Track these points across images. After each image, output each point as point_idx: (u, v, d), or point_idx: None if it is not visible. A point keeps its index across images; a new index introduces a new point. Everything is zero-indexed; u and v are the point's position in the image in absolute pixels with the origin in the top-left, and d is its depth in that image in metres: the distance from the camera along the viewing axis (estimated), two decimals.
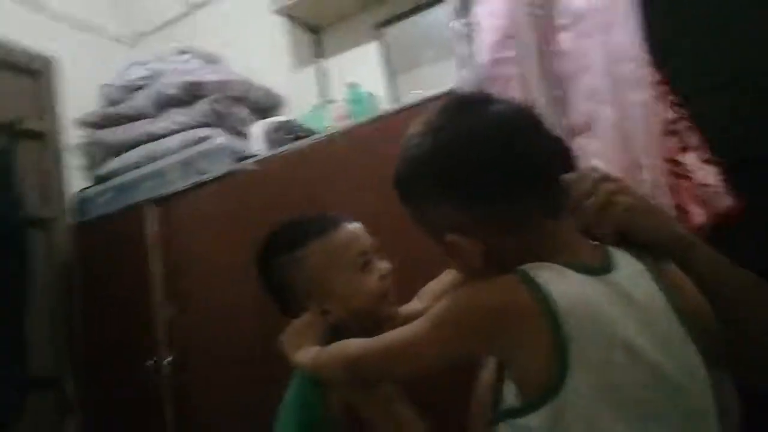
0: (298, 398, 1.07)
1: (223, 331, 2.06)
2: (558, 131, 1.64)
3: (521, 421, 0.68)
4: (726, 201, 1.45)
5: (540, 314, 0.65)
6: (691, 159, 1.49)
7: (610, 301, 0.68)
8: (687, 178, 1.49)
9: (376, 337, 0.85)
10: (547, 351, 0.65)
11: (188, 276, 2.17)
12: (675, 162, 1.50)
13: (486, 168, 0.71)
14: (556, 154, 0.78)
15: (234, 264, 2.03)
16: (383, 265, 1.09)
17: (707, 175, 1.47)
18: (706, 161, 1.48)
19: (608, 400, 0.64)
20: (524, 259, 0.71)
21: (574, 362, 0.64)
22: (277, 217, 1.20)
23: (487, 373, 1.03)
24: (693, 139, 1.50)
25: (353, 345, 0.88)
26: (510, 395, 0.69)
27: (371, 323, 0.96)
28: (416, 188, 0.77)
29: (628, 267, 0.73)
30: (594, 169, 0.82)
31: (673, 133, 1.51)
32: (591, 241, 0.77)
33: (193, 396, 2.10)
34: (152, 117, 2.50)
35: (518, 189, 0.72)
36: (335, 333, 1.03)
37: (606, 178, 0.79)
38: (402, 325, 0.82)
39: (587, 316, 0.66)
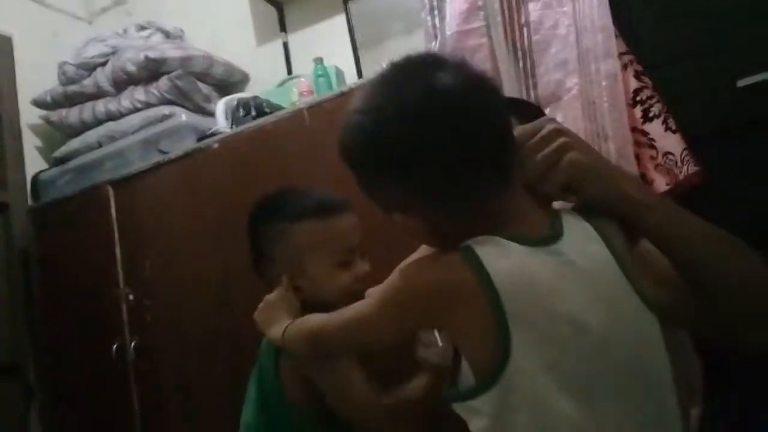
0: (260, 376, 1.07)
1: (188, 312, 2.02)
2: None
3: (472, 404, 0.65)
4: (689, 169, 1.45)
5: (481, 293, 0.63)
6: (655, 127, 1.49)
7: (554, 273, 0.65)
8: (651, 146, 1.49)
9: (336, 311, 0.86)
10: (490, 331, 0.62)
11: (151, 258, 2.12)
12: (639, 131, 1.51)
13: (427, 149, 0.67)
14: (508, 122, 0.73)
15: (198, 245, 2.00)
16: (363, 267, 1.09)
17: (671, 143, 1.48)
18: (671, 130, 1.48)
19: (554, 377, 0.61)
20: (470, 234, 0.68)
21: (517, 341, 0.62)
22: (243, 197, 1.19)
23: None
24: (657, 107, 1.50)
25: (314, 319, 0.89)
26: (467, 372, 0.67)
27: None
28: (359, 168, 0.74)
29: (576, 232, 0.70)
30: (550, 120, 0.77)
31: (638, 102, 1.52)
32: (538, 206, 0.73)
33: (159, 379, 2.07)
34: (112, 95, 2.42)
35: (462, 169, 0.67)
36: (306, 309, 1.03)
37: (561, 131, 0.75)
38: None
39: (529, 293, 0.63)
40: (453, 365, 0.72)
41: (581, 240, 0.70)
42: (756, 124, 1.49)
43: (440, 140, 0.66)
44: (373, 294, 0.77)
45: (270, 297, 1.06)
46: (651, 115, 1.50)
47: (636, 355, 0.65)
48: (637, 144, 1.50)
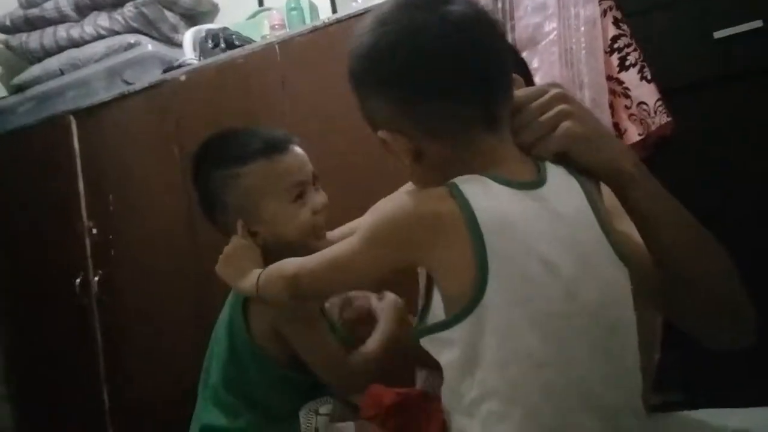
0: (230, 321, 1.05)
1: (153, 248, 2.01)
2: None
3: (444, 335, 0.67)
4: (661, 120, 1.45)
5: (464, 225, 0.65)
6: (630, 76, 1.48)
7: (534, 216, 0.68)
8: (625, 96, 1.49)
9: (313, 254, 0.83)
10: (470, 263, 0.65)
11: (116, 192, 2.09)
12: (615, 79, 1.50)
13: (424, 69, 0.70)
14: (506, 65, 0.75)
15: (164, 179, 1.97)
16: (319, 199, 1.05)
17: (645, 93, 1.47)
18: (646, 79, 1.47)
19: (524, 312, 0.64)
20: (454, 168, 0.70)
21: (493, 275, 0.64)
22: (209, 132, 1.13)
23: None
24: (634, 56, 1.49)
25: (290, 264, 0.86)
26: (438, 309, 0.69)
27: (296, 253, 0.93)
28: (357, 80, 0.76)
29: (559, 181, 0.72)
30: (554, 86, 0.79)
31: (615, 50, 1.50)
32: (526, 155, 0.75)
33: (123, 313, 2.07)
34: (75, 21, 2.33)
35: (455, 96, 0.70)
36: (265, 255, 1.00)
37: (563, 98, 0.77)
38: None
39: (508, 229, 0.66)
40: (423, 302, 0.73)
41: (563, 189, 0.72)
42: (732, 76, 1.48)
43: (441, 63, 0.69)
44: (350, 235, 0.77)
45: (229, 248, 1.02)
46: (627, 63, 1.48)
47: (603, 302, 0.67)
48: (612, 93, 1.49)
